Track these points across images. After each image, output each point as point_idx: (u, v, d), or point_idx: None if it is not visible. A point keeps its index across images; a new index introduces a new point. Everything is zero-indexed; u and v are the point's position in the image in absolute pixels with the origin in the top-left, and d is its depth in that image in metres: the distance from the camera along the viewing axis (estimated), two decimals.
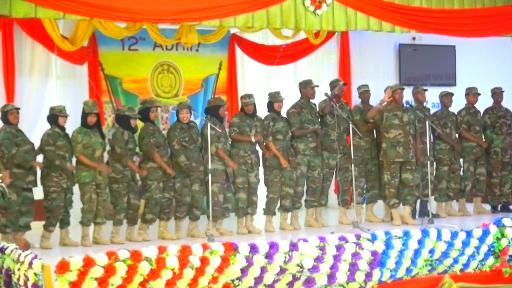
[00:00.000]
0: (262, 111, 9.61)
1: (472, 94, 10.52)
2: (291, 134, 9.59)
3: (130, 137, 8.82)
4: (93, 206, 8.64)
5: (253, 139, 9.22)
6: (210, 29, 10.52)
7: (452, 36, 11.39)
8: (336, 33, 11.45)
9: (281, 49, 11.53)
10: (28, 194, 8.55)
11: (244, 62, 11.93)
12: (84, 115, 8.71)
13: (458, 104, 10.57)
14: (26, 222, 8.51)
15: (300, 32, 10.79)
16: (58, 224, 8.64)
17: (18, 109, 8.63)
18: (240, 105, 9.57)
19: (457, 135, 10.50)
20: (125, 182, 8.75)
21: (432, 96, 11.10)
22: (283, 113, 9.67)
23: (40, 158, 8.74)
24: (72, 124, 9.08)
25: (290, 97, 10.11)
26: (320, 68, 12.05)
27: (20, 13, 8.58)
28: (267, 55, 11.67)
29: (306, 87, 9.69)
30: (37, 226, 8.71)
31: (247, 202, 9.28)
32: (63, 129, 8.69)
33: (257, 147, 9.49)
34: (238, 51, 11.84)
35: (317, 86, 9.76)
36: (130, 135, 8.85)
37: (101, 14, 8.93)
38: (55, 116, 8.62)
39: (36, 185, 8.62)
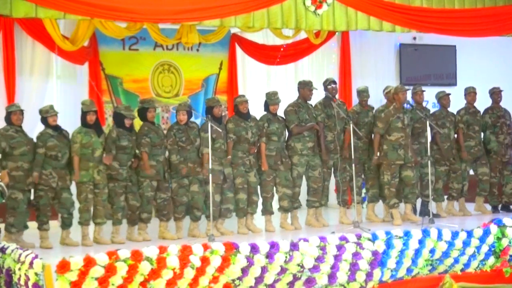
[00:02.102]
0: (262, 111, 9.60)
1: (468, 93, 10.51)
2: (288, 132, 9.57)
3: (123, 135, 8.80)
4: (89, 205, 8.64)
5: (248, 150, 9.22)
6: (210, 29, 10.53)
7: (453, 36, 11.39)
8: (337, 33, 11.45)
9: (282, 49, 11.53)
10: (27, 194, 8.55)
11: (244, 62, 11.94)
12: (83, 114, 8.71)
13: (459, 104, 10.56)
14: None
15: (300, 32, 10.79)
16: (58, 224, 8.64)
17: (22, 110, 8.62)
18: (235, 107, 9.49)
19: (455, 135, 10.49)
20: (121, 181, 8.74)
21: (433, 96, 11.09)
22: (280, 113, 9.63)
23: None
24: (72, 124, 9.07)
25: (291, 97, 10.09)
26: (320, 68, 12.05)
27: (20, 13, 8.58)
28: (267, 55, 11.67)
29: (304, 88, 9.66)
30: (35, 225, 8.70)
31: (247, 202, 9.28)
32: (56, 128, 8.66)
33: None
34: (239, 51, 11.84)
35: (316, 89, 9.73)
36: (124, 133, 8.82)
37: (101, 14, 8.93)
38: (45, 118, 8.63)
39: (34, 187, 8.61)
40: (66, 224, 8.59)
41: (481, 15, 10.90)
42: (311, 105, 9.80)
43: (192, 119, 9.28)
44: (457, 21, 10.86)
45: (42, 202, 8.51)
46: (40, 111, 8.70)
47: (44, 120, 8.65)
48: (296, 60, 11.81)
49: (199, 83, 11.75)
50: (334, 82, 9.97)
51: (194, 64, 11.72)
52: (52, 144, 8.52)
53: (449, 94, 10.37)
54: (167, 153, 9.06)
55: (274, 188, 9.48)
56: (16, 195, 8.30)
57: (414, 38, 12.56)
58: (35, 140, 8.63)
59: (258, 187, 9.43)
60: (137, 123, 9.27)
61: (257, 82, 11.82)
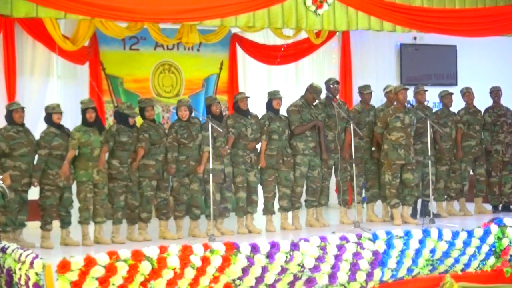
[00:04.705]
0: (263, 111, 9.59)
1: (463, 94, 10.51)
2: (291, 132, 9.57)
3: (123, 131, 8.77)
4: (88, 204, 8.64)
5: (252, 145, 9.23)
6: (211, 29, 10.53)
7: (453, 35, 11.39)
8: (337, 32, 11.45)
9: (282, 49, 11.53)
10: (22, 194, 8.54)
11: (245, 61, 11.94)
12: (82, 112, 8.71)
13: (460, 103, 10.56)
14: (21, 220, 8.51)
15: (301, 31, 10.80)
16: (59, 224, 8.64)
17: (23, 108, 8.61)
18: (234, 104, 9.48)
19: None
20: (120, 180, 8.74)
21: (433, 96, 11.09)
22: (283, 111, 9.64)
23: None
24: (73, 124, 9.05)
25: (291, 97, 10.10)
26: (321, 68, 12.05)
27: (21, 13, 8.59)
28: (268, 54, 11.68)
29: (311, 93, 9.63)
30: (36, 225, 8.71)
31: (246, 201, 9.28)
32: (60, 127, 8.67)
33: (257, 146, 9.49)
34: (239, 51, 11.84)
35: (320, 99, 9.68)
36: (125, 129, 8.80)
37: (102, 13, 8.93)
38: (50, 115, 8.63)
39: (30, 187, 8.59)
40: (65, 223, 8.61)
41: (481, 15, 10.91)
42: (313, 105, 9.79)
43: (192, 115, 9.28)
44: (458, 21, 10.87)
45: (49, 202, 8.51)
46: (46, 108, 8.70)
47: (48, 117, 8.64)
48: (296, 60, 11.82)
49: (199, 83, 11.76)
50: (338, 83, 9.98)
51: (194, 64, 11.73)
52: (57, 143, 8.53)
53: (451, 93, 10.37)
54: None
55: (276, 188, 9.48)
56: (9, 195, 8.23)
57: (415, 38, 12.56)
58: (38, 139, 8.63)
59: (258, 186, 9.44)
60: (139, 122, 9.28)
61: (258, 82, 11.82)
